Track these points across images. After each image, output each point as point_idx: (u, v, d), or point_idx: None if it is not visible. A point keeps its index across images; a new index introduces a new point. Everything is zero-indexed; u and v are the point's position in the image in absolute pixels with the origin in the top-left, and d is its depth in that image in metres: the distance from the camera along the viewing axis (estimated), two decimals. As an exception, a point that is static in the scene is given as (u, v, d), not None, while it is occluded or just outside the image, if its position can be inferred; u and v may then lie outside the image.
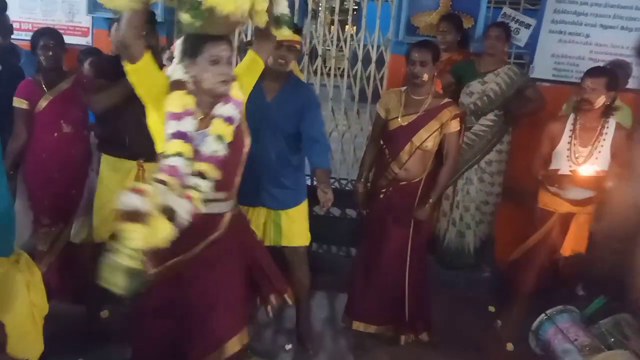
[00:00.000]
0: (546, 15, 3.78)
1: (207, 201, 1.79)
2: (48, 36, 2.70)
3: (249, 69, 2.03)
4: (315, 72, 4.43)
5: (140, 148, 2.39)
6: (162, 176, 1.67)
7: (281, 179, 2.63)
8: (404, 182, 2.80)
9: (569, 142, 2.83)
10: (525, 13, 3.91)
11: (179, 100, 1.74)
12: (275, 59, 2.45)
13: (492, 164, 3.48)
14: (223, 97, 1.84)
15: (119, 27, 1.72)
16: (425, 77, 2.67)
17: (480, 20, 3.71)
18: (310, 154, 2.55)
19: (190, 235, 1.75)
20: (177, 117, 1.73)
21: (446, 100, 2.77)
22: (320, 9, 4.57)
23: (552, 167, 2.90)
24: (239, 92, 1.90)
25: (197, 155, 1.77)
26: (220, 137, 1.82)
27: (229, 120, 1.84)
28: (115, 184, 2.58)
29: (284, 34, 2.07)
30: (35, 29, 3.89)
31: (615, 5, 3.77)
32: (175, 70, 1.80)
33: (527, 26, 3.82)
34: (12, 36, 3.54)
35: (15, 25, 3.77)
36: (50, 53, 2.68)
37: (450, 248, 3.63)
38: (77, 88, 2.77)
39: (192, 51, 1.76)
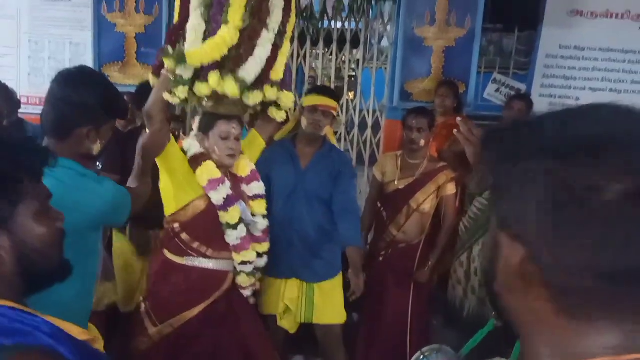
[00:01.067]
0: (535, 79, 3.92)
1: (217, 258, 2.03)
2: None
3: (251, 146, 2.22)
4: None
5: (155, 220, 2.36)
6: (246, 255, 2.04)
7: (316, 249, 2.50)
8: (403, 245, 2.80)
9: None
10: (515, 78, 4.05)
11: (212, 169, 1.95)
12: (309, 123, 2.42)
13: None
14: (230, 168, 2.06)
15: (149, 99, 1.87)
16: (422, 142, 2.74)
17: (471, 86, 3.84)
18: (341, 225, 2.44)
19: (197, 290, 1.99)
20: (221, 181, 1.95)
21: (442, 164, 2.83)
22: (317, 76, 4.73)
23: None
24: (251, 164, 2.14)
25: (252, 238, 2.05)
26: (264, 216, 2.12)
27: (262, 196, 2.13)
28: (132, 256, 2.65)
29: (318, 98, 2.33)
30: (43, 103, 4.10)
31: (603, 69, 3.91)
32: (192, 144, 1.99)
33: (518, 91, 3.94)
34: (20, 110, 3.66)
35: (23, 100, 3.91)
36: None
37: (472, 317, 3.54)
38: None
39: (206, 127, 1.98)
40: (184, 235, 2.01)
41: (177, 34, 1.93)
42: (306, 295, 2.52)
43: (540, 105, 3.86)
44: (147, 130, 1.88)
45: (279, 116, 2.16)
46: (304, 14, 4.24)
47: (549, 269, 0.50)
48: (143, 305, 2.05)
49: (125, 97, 3.26)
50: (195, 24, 1.87)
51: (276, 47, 1.99)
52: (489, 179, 0.58)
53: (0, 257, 0.81)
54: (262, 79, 1.96)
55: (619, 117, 0.52)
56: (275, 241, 2.43)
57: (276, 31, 1.94)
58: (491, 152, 0.59)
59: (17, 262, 0.83)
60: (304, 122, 2.43)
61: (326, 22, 4.31)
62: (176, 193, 1.97)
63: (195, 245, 2.01)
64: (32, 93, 4.21)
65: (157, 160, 1.92)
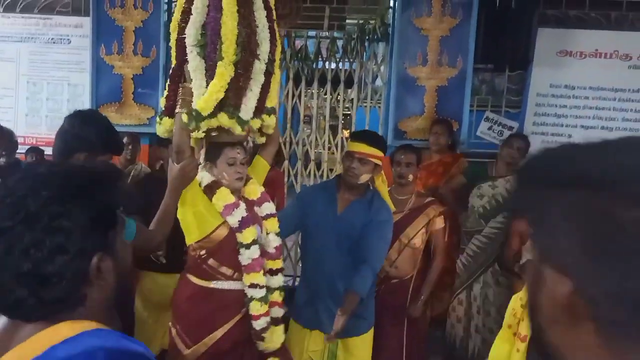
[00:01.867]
0: (527, 117, 3.98)
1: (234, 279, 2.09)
2: (34, 152, 2.84)
3: (255, 170, 2.30)
4: (308, 175, 4.55)
5: (179, 261, 2.36)
6: (255, 277, 2.05)
7: (342, 301, 2.34)
8: (396, 280, 2.79)
9: None
10: (507, 116, 4.09)
11: (227, 194, 2.05)
12: (345, 170, 2.41)
13: None
14: (241, 191, 2.15)
15: (174, 134, 2.01)
16: (411, 177, 2.78)
17: (464, 124, 3.88)
18: (355, 271, 2.34)
19: (226, 309, 2.08)
20: (235, 205, 2.04)
21: (430, 198, 2.86)
22: (312, 115, 4.79)
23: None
24: (260, 187, 2.23)
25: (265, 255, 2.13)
26: (278, 234, 2.21)
27: (274, 215, 2.22)
28: (158, 298, 2.69)
29: (356, 145, 2.39)
30: (39, 143, 4.14)
31: (594, 107, 3.97)
32: (204, 175, 2.08)
33: (510, 128, 3.98)
34: (18, 150, 3.69)
35: (20, 140, 3.95)
36: None
37: (477, 357, 3.48)
38: None
39: (213, 156, 2.09)
40: (211, 261, 2.08)
41: (178, 75, 2.06)
42: (329, 349, 2.43)
43: (533, 142, 3.89)
44: (175, 165, 1.97)
45: (260, 140, 2.26)
46: (299, 55, 4.32)
47: (597, 302, 0.49)
48: (174, 330, 2.13)
49: (126, 138, 3.34)
50: (195, 65, 1.98)
51: (269, 75, 2.11)
52: (528, 213, 0.57)
53: (106, 284, 0.85)
54: (259, 108, 2.09)
55: None
56: (304, 284, 2.47)
57: (266, 60, 2.06)
58: (528, 184, 0.58)
59: (115, 287, 0.88)
60: (342, 168, 2.46)
61: (320, 63, 4.40)
62: (199, 223, 2.05)
63: (223, 269, 2.09)
64: (30, 134, 4.25)
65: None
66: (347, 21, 4.41)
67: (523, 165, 0.62)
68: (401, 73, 3.89)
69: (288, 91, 4.43)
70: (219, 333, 2.07)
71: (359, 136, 2.51)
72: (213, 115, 1.94)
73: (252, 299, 2.07)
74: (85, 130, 1.85)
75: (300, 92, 4.43)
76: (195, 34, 1.97)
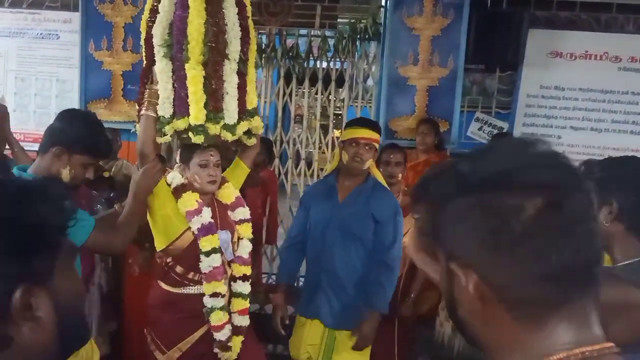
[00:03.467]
0: (517, 118, 3.98)
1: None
2: None
3: (234, 173, 2.26)
4: (299, 174, 4.54)
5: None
6: (216, 286, 2.00)
7: (342, 291, 2.33)
8: None
9: None
10: (497, 116, 4.11)
11: (191, 199, 2.00)
12: (352, 157, 2.32)
13: None
14: (212, 195, 2.11)
15: (137, 138, 1.98)
16: (400, 176, 2.77)
17: (455, 124, 3.88)
18: (371, 278, 2.30)
19: (198, 314, 2.03)
20: (197, 212, 1.99)
21: None
22: (303, 114, 4.79)
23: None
24: (235, 191, 2.20)
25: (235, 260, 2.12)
26: (249, 241, 2.18)
27: (248, 220, 2.19)
28: None
29: (359, 131, 2.33)
30: (27, 139, 4.09)
31: (583, 108, 3.98)
32: (174, 177, 2.04)
33: (500, 129, 3.99)
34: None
35: (8, 135, 3.89)
36: None
37: (461, 357, 3.47)
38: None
39: (186, 158, 2.05)
40: (178, 269, 2.05)
41: (146, 76, 2.00)
42: (326, 343, 2.37)
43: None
44: (139, 169, 1.93)
45: (250, 142, 2.19)
46: (290, 53, 4.31)
47: (500, 285, 0.59)
48: (149, 337, 2.11)
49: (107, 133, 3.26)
50: (162, 66, 1.94)
51: (243, 76, 2.04)
52: (428, 222, 0.66)
53: (41, 322, 0.66)
54: (241, 110, 2.03)
55: (521, 147, 0.62)
56: (307, 278, 2.47)
57: (237, 60, 1.99)
58: (427, 198, 0.67)
59: (57, 326, 0.69)
60: (345, 156, 2.35)
61: (312, 62, 4.39)
62: (166, 227, 2.01)
63: (191, 275, 2.05)
64: (18, 129, 4.17)
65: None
66: (339, 20, 4.40)
67: (415, 186, 0.72)
68: (392, 72, 3.88)
69: (279, 90, 4.42)
70: (193, 338, 2.06)
71: (361, 122, 2.48)
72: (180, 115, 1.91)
73: (213, 309, 2.02)
74: (66, 125, 1.84)
75: (292, 90, 4.41)
76: (162, 33, 1.92)
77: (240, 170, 2.27)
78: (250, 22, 2.06)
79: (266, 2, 4.09)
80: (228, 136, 1.98)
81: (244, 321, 2.15)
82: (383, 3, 4.12)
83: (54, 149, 1.78)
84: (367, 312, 2.29)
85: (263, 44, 4.32)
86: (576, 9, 3.97)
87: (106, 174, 3.01)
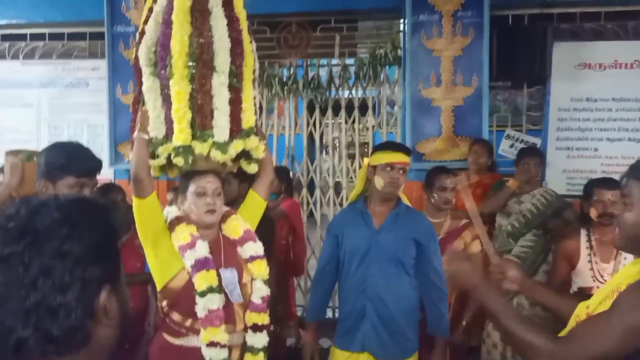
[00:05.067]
0: (550, 134, 3.85)
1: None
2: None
3: (249, 208, 2.08)
4: (327, 203, 4.48)
5: None
6: (214, 333, 1.73)
7: (391, 320, 2.22)
8: None
9: (589, 261, 2.66)
10: (529, 133, 3.99)
11: (184, 232, 1.81)
12: (388, 182, 2.25)
13: None
14: (212, 227, 1.91)
15: (130, 163, 1.86)
16: (454, 201, 2.69)
17: (484, 143, 3.77)
18: (428, 310, 2.28)
19: None
20: (190, 246, 1.77)
21: (465, 221, 2.72)
22: (329, 143, 4.76)
23: (576, 286, 2.71)
24: (244, 224, 1.97)
25: (249, 306, 1.88)
26: (266, 281, 1.91)
27: (261, 257, 1.93)
28: None
29: (393, 155, 2.25)
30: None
31: (619, 118, 3.83)
32: (169, 210, 1.90)
33: (533, 145, 3.86)
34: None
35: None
36: None
37: None
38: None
39: (183, 187, 1.88)
40: (174, 315, 1.84)
41: (137, 101, 1.95)
42: None
43: (558, 158, 3.78)
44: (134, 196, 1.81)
45: (251, 169, 2.02)
46: (312, 84, 4.32)
47: None
48: None
49: None
50: (148, 85, 1.87)
51: (237, 91, 1.89)
52: None
53: (113, 320, 0.75)
54: (233, 129, 1.87)
55: None
56: (347, 309, 2.30)
57: (227, 73, 1.85)
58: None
59: (119, 327, 0.77)
60: (380, 181, 2.26)
61: (334, 91, 4.39)
62: (161, 267, 1.82)
63: (188, 323, 1.82)
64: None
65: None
66: (358, 47, 4.41)
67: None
68: (415, 95, 3.84)
69: (304, 120, 4.43)
70: None
71: (394, 146, 2.41)
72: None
73: None
74: (41, 159, 1.83)
75: (315, 120, 4.41)
76: (147, 52, 1.86)
77: (254, 202, 2.06)
78: (245, 36, 1.92)
79: (285, 36, 4.15)
80: (218, 155, 1.80)
81: None
82: (401, 28, 4.12)
83: (38, 184, 1.79)
84: (437, 341, 2.30)
85: (284, 77, 4.36)
86: (601, 20, 3.89)
87: None
